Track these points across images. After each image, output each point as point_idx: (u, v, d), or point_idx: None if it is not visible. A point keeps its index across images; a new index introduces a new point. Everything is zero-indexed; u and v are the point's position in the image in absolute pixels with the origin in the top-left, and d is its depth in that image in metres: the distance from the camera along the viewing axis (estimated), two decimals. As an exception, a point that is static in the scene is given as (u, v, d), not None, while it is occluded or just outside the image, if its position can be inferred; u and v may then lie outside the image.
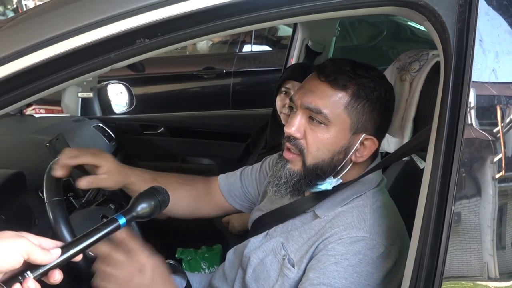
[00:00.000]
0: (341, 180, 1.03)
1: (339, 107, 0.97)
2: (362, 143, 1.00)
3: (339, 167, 1.01)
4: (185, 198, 1.26)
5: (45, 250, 0.64)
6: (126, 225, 0.77)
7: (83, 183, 1.06)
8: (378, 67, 1.04)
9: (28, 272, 0.63)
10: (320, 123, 0.97)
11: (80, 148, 1.12)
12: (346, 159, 1.00)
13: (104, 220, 0.78)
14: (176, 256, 1.76)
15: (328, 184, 1.02)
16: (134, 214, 0.78)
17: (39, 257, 0.63)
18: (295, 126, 0.99)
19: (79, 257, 0.69)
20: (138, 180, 1.14)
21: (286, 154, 1.02)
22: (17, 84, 0.74)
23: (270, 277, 1.03)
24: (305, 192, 1.07)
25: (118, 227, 0.75)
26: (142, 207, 0.79)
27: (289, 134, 1.00)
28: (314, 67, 1.06)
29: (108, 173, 1.08)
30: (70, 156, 1.06)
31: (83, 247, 0.69)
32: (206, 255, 1.76)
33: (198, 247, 1.80)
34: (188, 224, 1.32)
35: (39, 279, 0.64)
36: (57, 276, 0.65)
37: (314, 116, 0.97)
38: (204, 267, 1.72)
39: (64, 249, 0.67)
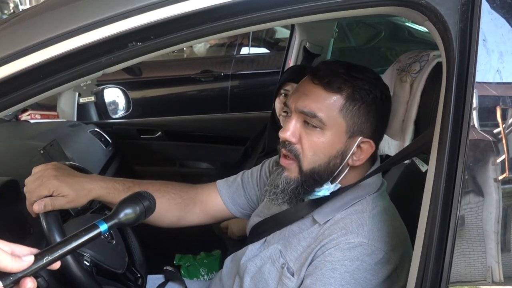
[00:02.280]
0: (339, 185, 1.01)
1: (334, 110, 0.95)
2: (359, 146, 0.98)
3: (336, 171, 1.00)
4: (169, 208, 1.20)
5: (16, 257, 0.62)
6: (107, 232, 0.74)
7: (36, 207, 0.98)
8: (377, 68, 1.03)
9: None
10: (315, 127, 0.96)
11: (30, 187, 1.02)
12: (343, 163, 0.99)
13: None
14: (174, 262, 1.74)
15: (325, 190, 1.00)
16: (116, 220, 0.75)
17: (8, 264, 0.61)
18: (290, 130, 0.98)
19: (56, 265, 0.67)
20: (108, 192, 1.07)
21: (282, 161, 1.01)
22: (8, 90, 0.72)
23: (269, 286, 1.01)
24: (303, 198, 1.05)
25: (99, 234, 0.72)
26: (126, 213, 0.76)
27: (284, 139, 0.99)
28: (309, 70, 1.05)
29: (63, 194, 1.01)
30: (31, 201, 1.00)
31: (59, 255, 0.66)
32: (205, 261, 1.74)
33: (196, 253, 1.78)
34: (186, 230, 1.29)
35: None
36: (29, 285, 0.62)
37: (309, 120, 0.96)
38: (203, 273, 1.70)
39: (39, 256, 0.65)
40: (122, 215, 0.76)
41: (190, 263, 1.73)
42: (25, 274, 0.62)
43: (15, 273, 0.62)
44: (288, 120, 1.00)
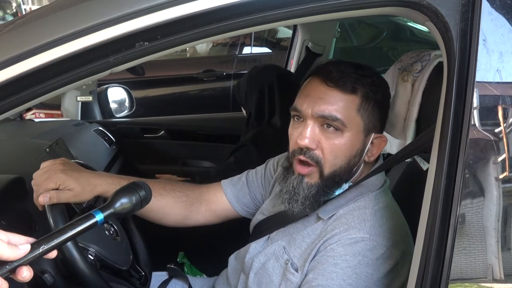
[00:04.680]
0: (351, 183, 1.02)
1: (352, 111, 0.96)
2: (371, 142, 1.00)
3: (354, 169, 1.01)
4: (174, 205, 1.20)
5: (12, 246, 0.62)
6: (103, 221, 0.74)
7: (41, 199, 1.00)
8: (379, 68, 1.04)
9: None
10: (336, 129, 0.96)
11: (38, 180, 1.05)
12: (360, 161, 1.00)
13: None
14: (178, 260, 1.75)
15: (341, 189, 1.01)
16: (112, 210, 0.75)
17: (4, 252, 0.61)
18: (309, 137, 0.96)
19: (52, 254, 0.67)
20: (114, 188, 1.04)
21: (301, 170, 0.99)
22: (16, 89, 0.74)
23: (273, 282, 1.02)
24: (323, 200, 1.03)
25: (95, 224, 0.72)
26: (122, 203, 0.76)
27: (303, 146, 0.96)
28: (313, 71, 1.04)
29: (69, 188, 1.03)
30: (37, 193, 1.03)
31: (55, 244, 0.67)
32: (208, 259, 1.75)
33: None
34: (191, 228, 1.30)
35: (7, 277, 0.62)
36: (25, 273, 0.62)
37: (330, 123, 0.95)
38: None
39: (35, 245, 0.65)
40: (118, 204, 0.76)
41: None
42: (22, 263, 0.63)
43: (11, 262, 0.62)
44: (304, 126, 0.97)
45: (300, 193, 0.99)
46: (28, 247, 0.64)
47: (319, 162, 0.97)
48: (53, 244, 0.66)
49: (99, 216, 0.72)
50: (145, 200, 0.80)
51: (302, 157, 0.97)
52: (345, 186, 1.01)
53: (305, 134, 0.96)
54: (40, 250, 0.65)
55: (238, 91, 2.05)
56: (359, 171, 1.01)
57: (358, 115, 0.96)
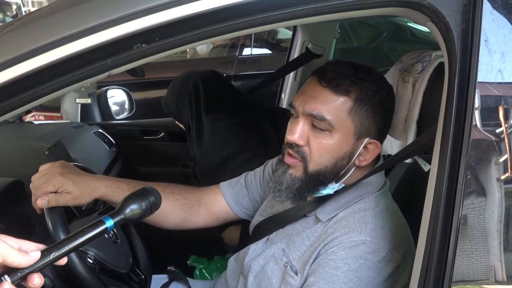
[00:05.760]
0: (343, 185, 1.02)
1: (342, 113, 0.96)
2: (365, 147, 0.99)
3: (342, 172, 1.00)
4: (173, 209, 1.21)
5: (23, 253, 0.62)
6: (113, 228, 0.73)
7: (39, 202, 1.00)
8: (379, 68, 1.03)
9: (6, 276, 0.61)
10: (323, 129, 0.96)
11: (37, 183, 1.04)
12: (349, 164, 1.00)
13: None
14: (188, 262, 1.75)
15: (330, 189, 1.01)
16: (122, 216, 0.75)
17: (15, 259, 0.60)
18: (298, 133, 0.98)
19: (63, 261, 0.67)
20: (113, 191, 1.08)
21: (287, 159, 1.01)
22: (13, 92, 0.73)
23: (272, 285, 1.02)
24: (307, 197, 1.06)
25: (105, 230, 0.71)
26: (132, 209, 0.76)
27: (291, 142, 0.99)
28: (314, 71, 1.04)
29: (68, 191, 1.02)
30: (36, 197, 1.02)
31: (66, 251, 0.67)
32: (218, 264, 1.75)
33: (202, 255, 1.79)
34: (194, 231, 1.30)
35: (18, 284, 0.62)
36: (36, 281, 0.62)
37: (317, 123, 0.96)
38: (215, 277, 1.71)
39: (45, 252, 0.65)
40: (128, 210, 0.76)
41: (203, 266, 1.74)
42: (33, 270, 0.62)
43: (22, 269, 0.62)
44: (295, 122, 1.00)
45: (284, 183, 1.01)
46: (38, 254, 0.63)
47: (304, 158, 0.99)
48: (63, 251, 0.66)
49: (109, 223, 0.72)
50: (155, 206, 0.80)
51: (290, 151, 1.00)
52: (335, 186, 1.01)
53: (295, 130, 0.98)
54: (51, 257, 0.65)
55: (168, 107, 1.97)
56: (349, 174, 1.01)
57: (348, 117, 0.96)
